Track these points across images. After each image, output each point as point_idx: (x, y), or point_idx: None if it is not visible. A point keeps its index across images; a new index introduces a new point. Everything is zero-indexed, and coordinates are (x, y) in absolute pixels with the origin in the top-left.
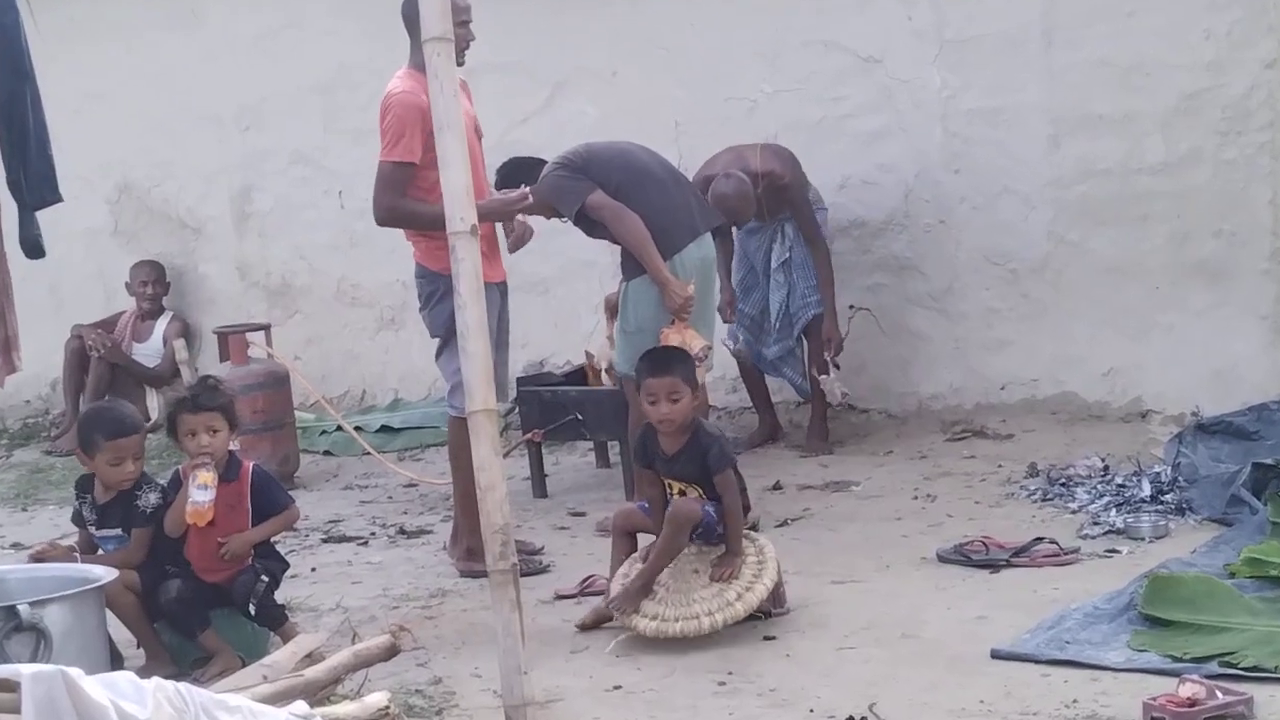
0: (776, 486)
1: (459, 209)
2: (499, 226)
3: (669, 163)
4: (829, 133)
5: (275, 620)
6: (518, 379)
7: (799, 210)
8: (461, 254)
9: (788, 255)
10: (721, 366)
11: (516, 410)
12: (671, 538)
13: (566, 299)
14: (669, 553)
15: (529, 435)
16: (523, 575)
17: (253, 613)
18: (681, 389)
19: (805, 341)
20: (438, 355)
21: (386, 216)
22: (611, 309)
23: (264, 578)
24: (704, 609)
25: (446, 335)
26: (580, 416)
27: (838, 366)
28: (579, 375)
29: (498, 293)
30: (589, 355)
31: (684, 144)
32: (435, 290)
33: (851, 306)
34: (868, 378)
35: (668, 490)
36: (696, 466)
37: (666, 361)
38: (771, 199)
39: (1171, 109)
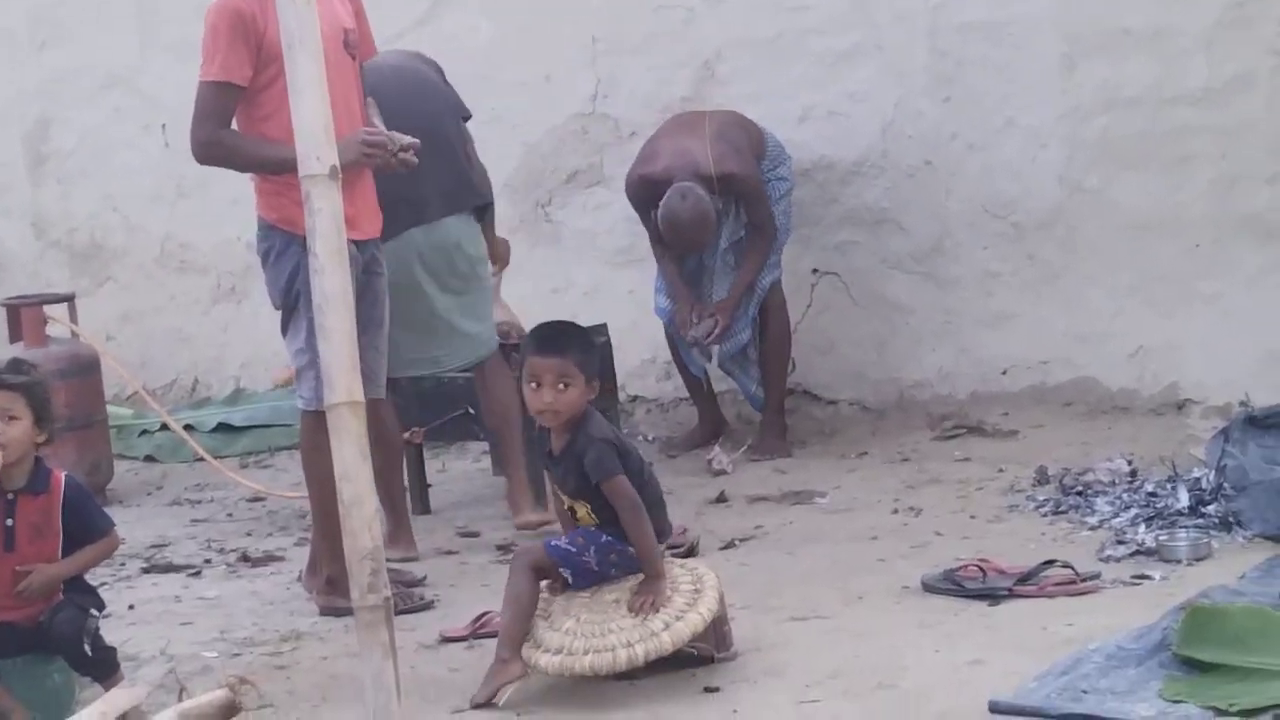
0: (721, 499)
1: (314, 146)
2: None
3: (453, 106)
4: (787, 52)
5: (107, 668)
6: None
7: (754, 204)
8: (318, 202)
9: (741, 234)
10: (651, 347)
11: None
12: (510, 591)
13: None
14: (513, 610)
15: (406, 435)
16: (399, 612)
17: (88, 655)
18: (573, 375)
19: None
20: (282, 329)
21: (202, 152)
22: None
23: (94, 612)
24: (621, 640)
25: (286, 304)
26: (472, 410)
27: (707, 358)
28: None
29: (372, 253)
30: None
31: (603, 67)
32: (271, 247)
33: (815, 271)
34: (836, 360)
35: (564, 506)
36: (576, 475)
37: (558, 338)
38: (724, 192)
39: (1215, 22)
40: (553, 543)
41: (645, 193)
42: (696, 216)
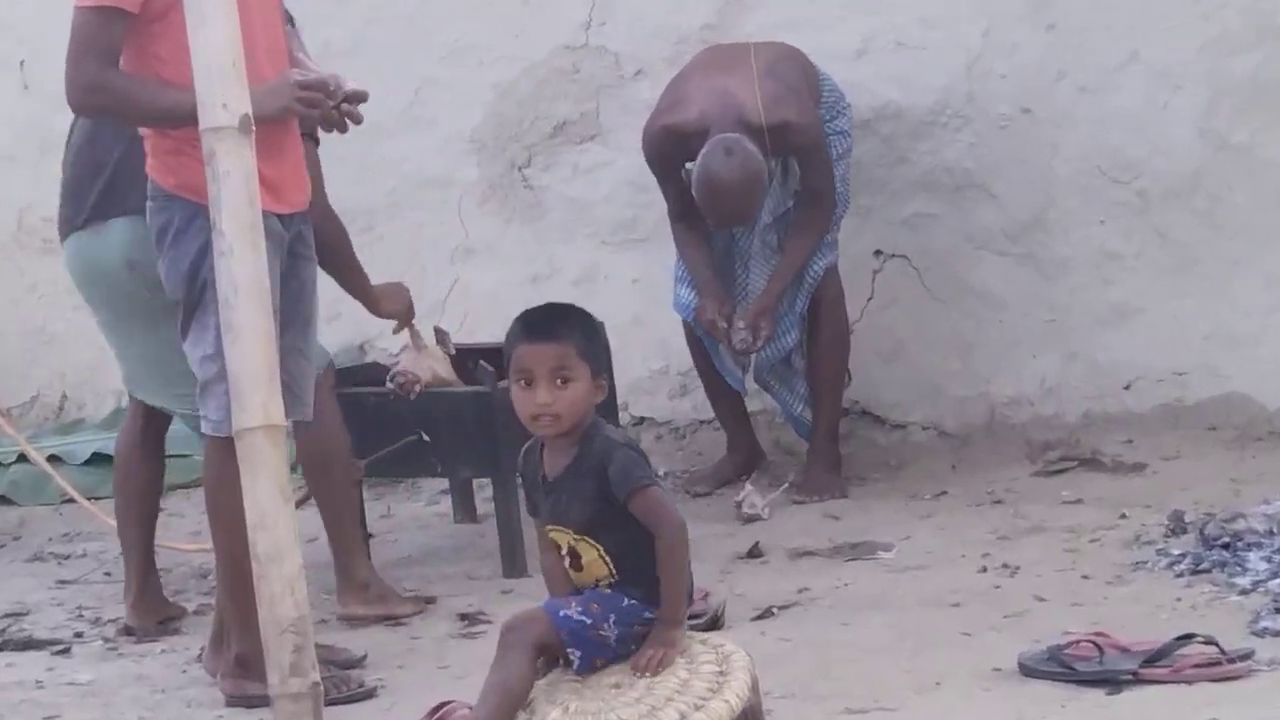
0: (754, 553)
1: (220, 88)
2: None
3: None
4: None
5: None
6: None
7: (814, 164)
8: (225, 163)
9: (788, 205)
10: (662, 353)
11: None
12: (497, 676)
13: (403, 239)
14: (498, 700)
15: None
16: (330, 702)
17: None
18: (575, 366)
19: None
20: (182, 330)
21: (83, 99)
22: None
23: None
24: None
25: (189, 296)
26: (426, 436)
27: (744, 367)
28: None
29: (299, 229)
30: (440, 334)
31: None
32: (170, 221)
33: (878, 253)
34: (905, 370)
35: (558, 550)
36: (591, 495)
37: (553, 320)
38: (777, 148)
39: None
40: (562, 612)
41: (671, 149)
42: (746, 179)
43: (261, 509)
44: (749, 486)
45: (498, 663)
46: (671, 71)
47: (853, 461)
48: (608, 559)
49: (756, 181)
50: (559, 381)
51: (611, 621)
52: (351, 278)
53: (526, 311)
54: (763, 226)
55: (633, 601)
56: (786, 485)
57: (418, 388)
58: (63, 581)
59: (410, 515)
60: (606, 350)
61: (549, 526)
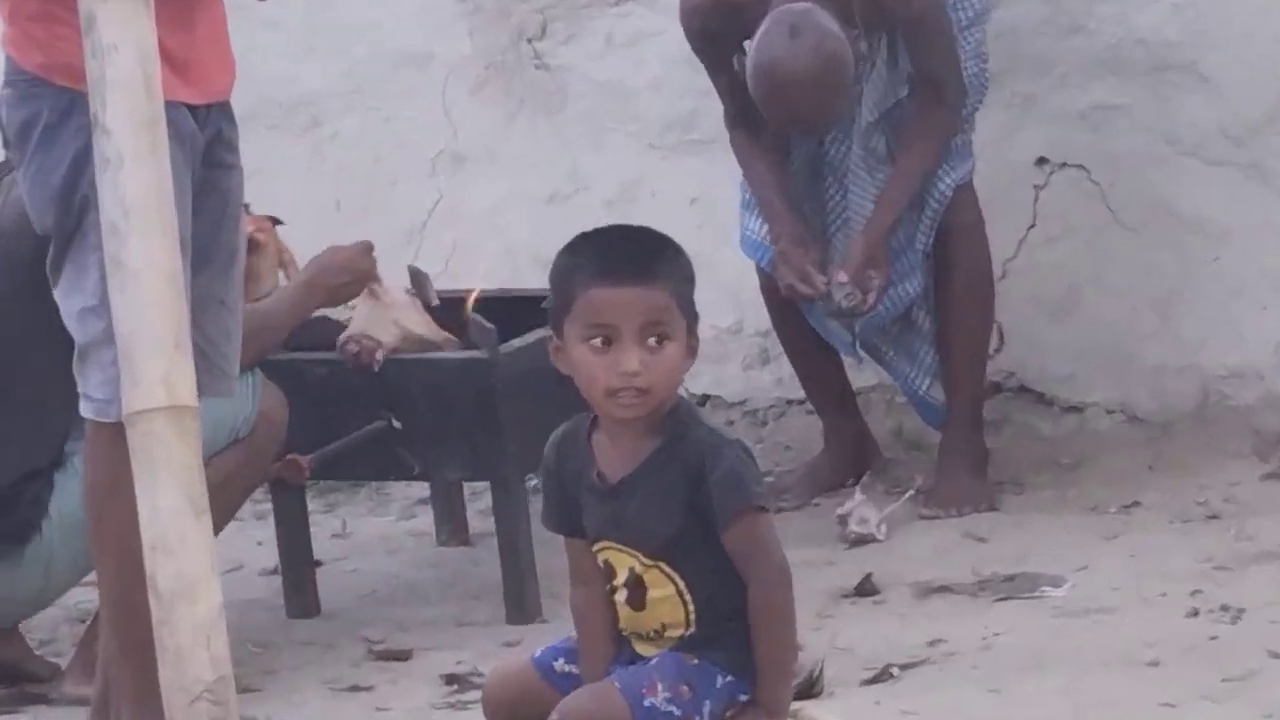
0: (866, 589)
1: None
2: None
3: None
4: None
5: None
6: None
7: (925, 38)
8: (111, 33)
9: (899, 98)
10: (734, 305)
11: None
12: None
13: (364, 140)
14: None
15: (275, 466)
16: None
17: None
18: (672, 318)
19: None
20: (52, 269)
21: None
22: None
23: None
24: None
25: (63, 221)
26: (396, 423)
27: (853, 330)
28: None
29: (219, 127)
30: (417, 276)
31: None
32: (35, 116)
33: (1042, 162)
34: (1079, 331)
35: (611, 579)
36: (678, 505)
37: (643, 252)
38: (869, 21)
39: None
40: (646, 701)
41: (720, 24)
42: (818, 67)
43: (162, 525)
44: (858, 495)
45: None
46: None
47: (1005, 459)
48: (688, 599)
49: (834, 70)
50: (653, 340)
51: (705, 710)
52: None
53: (594, 234)
54: (864, 128)
55: (728, 679)
56: (911, 493)
57: (380, 354)
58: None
59: (375, 533)
60: (693, 282)
61: (603, 544)
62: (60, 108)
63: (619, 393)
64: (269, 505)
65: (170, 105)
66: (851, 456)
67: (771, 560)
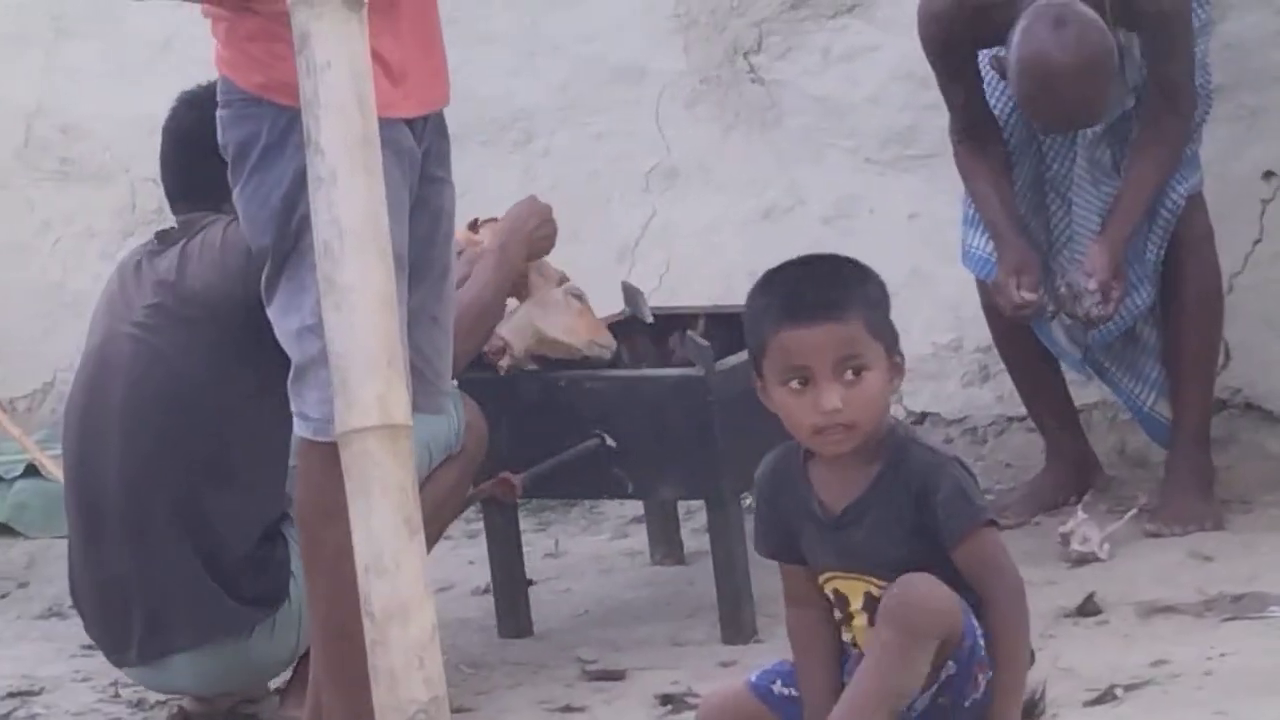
0: (1089, 609)
1: None
2: None
3: None
4: None
5: None
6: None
7: (1171, 40)
8: (324, 50)
9: (1127, 107)
10: (953, 321)
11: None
12: (883, 663)
13: (577, 156)
14: (884, 695)
15: (487, 485)
16: None
17: None
18: (867, 349)
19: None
20: (266, 287)
21: None
22: None
23: None
24: None
25: (281, 242)
26: (610, 440)
27: (1082, 345)
28: (616, 333)
29: (432, 142)
30: (631, 292)
31: None
32: (254, 136)
33: (1269, 175)
34: None
35: (845, 607)
36: (907, 530)
37: (828, 284)
38: (1117, 9)
39: None
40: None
41: (963, 30)
42: (1088, 60)
43: (376, 545)
44: (1080, 514)
45: None
46: None
47: (1232, 478)
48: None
49: (1102, 60)
50: (849, 374)
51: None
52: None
53: (778, 272)
54: (1089, 140)
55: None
56: (1135, 511)
57: (506, 359)
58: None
59: (588, 553)
60: (887, 302)
61: (831, 574)
62: (280, 126)
63: (824, 431)
64: (481, 524)
65: (389, 123)
66: (1074, 474)
67: (1005, 576)
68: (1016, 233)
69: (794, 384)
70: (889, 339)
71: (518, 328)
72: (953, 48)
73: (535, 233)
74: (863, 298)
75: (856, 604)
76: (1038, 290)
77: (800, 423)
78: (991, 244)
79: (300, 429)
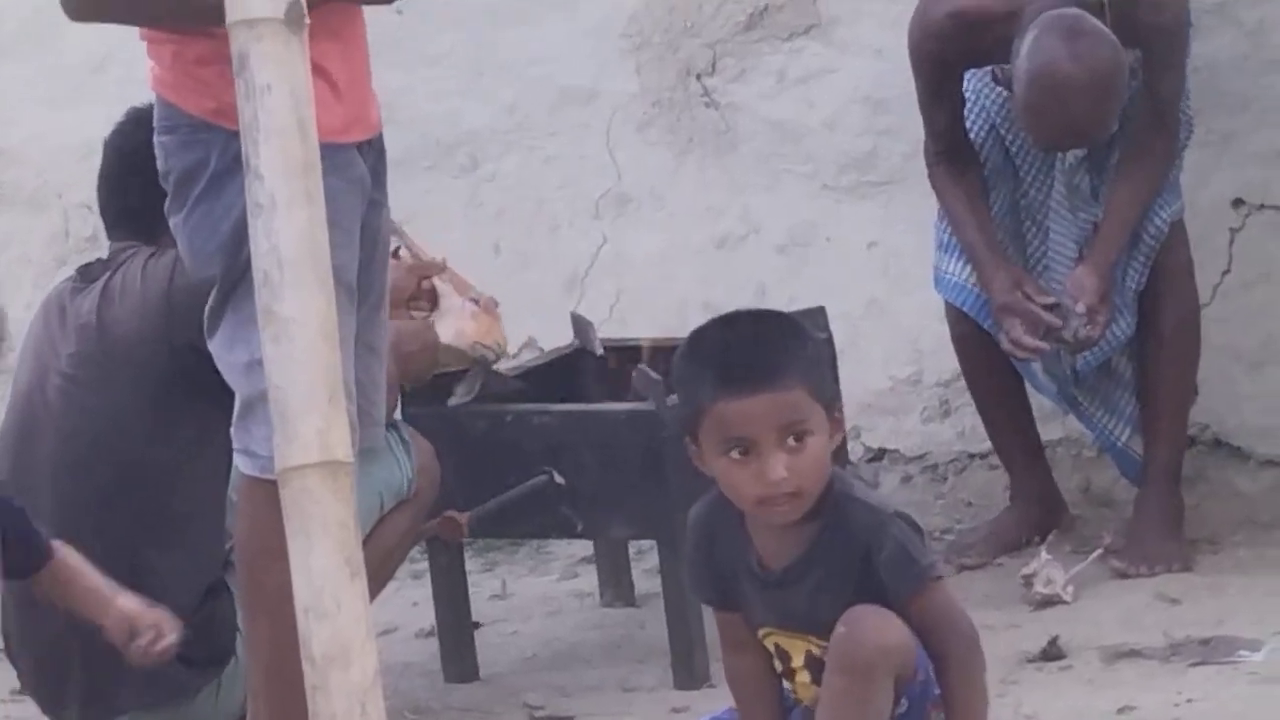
0: (1053, 652)
1: None
2: None
3: None
4: None
5: None
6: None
7: (1164, 62)
8: (265, 73)
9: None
10: (913, 354)
11: None
12: (841, 712)
13: (525, 181)
14: None
15: (432, 524)
16: None
17: None
18: (808, 412)
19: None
20: (210, 319)
21: None
22: None
23: None
24: None
25: (230, 272)
26: (559, 477)
27: (1070, 374)
28: (564, 366)
29: (374, 164)
30: (580, 324)
31: None
32: (201, 163)
33: (1239, 204)
34: (1273, 382)
35: (787, 662)
36: (851, 589)
37: (762, 352)
38: (1119, 23)
39: None
40: None
41: (960, 47)
42: (1101, 72)
43: (316, 587)
44: (1044, 554)
45: None
46: None
47: (1200, 517)
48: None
49: (1116, 73)
50: (792, 440)
51: None
52: None
53: (709, 335)
54: (1068, 166)
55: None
56: (1099, 552)
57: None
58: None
59: (536, 594)
60: (826, 359)
61: (769, 630)
62: (231, 153)
63: (769, 500)
64: (425, 564)
65: (342, 148)
66: (1037, 513)
67: (957, 629)
68: (997, 254)
69: (735, 454)
70: (829, 398)
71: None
72: (944, 65)
73: (409, 357)
74: (801, 360)
75: (798, 661)
76: (1046, 294)
77: (744, 493)
78: (968, 269)
79: (245, 466)
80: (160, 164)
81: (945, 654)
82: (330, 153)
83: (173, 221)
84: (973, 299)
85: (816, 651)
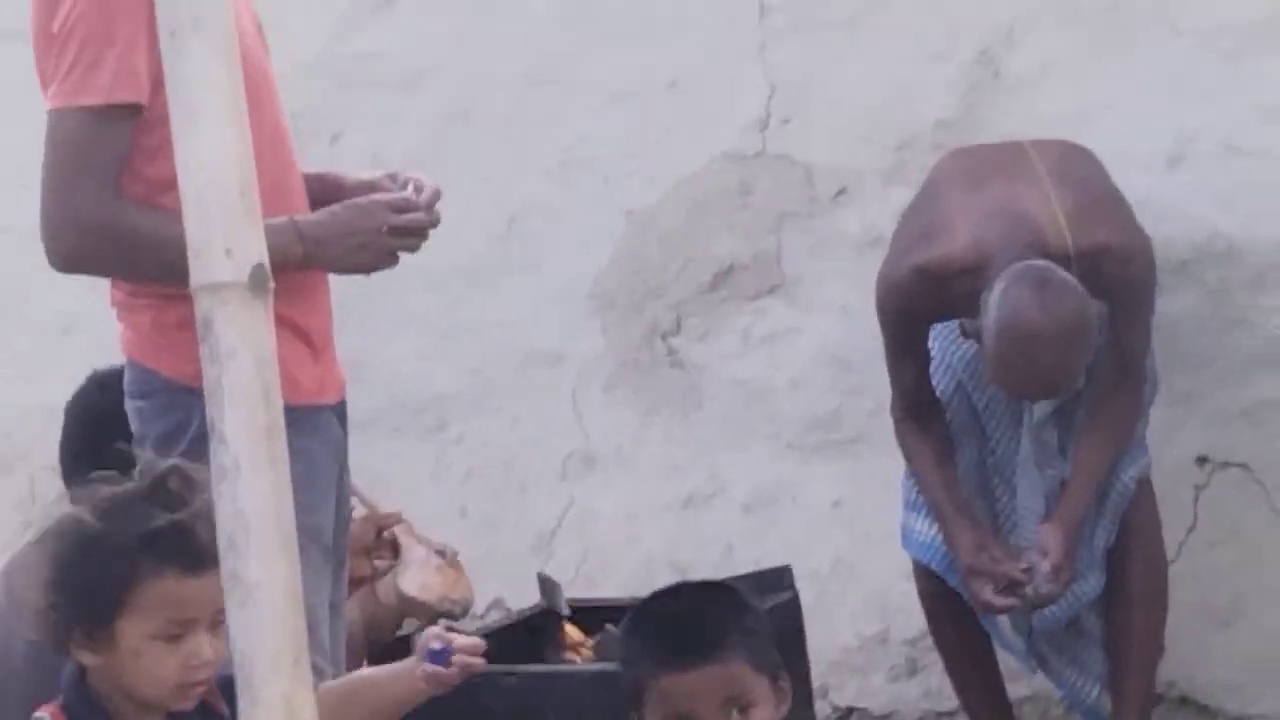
0: None
1: (220, 229)
2: None
3: None
4: (1137, 28)
5: None
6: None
7: (1130, 312)
8: (229, 338)
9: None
10: (880, 611)
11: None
12: None
13: (491, 442)
14: None
15: None
16: None
17: None
18: (751, 685)
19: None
20: None
21: (81, 242)
22: None
23: None
24: None
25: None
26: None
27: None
28: (530, 627)
29: (340, 430)
30: (546, 584)
31: (780, 65)
32: (183, 425)
33: (1202, 461)
34: (1245, 637)
35: None
36: None
37: (702, 624)
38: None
39: None
40: None
41: (927, 303)
42: (1070, 325)
43: None
44: None
45: None
46: (891, 190)
47: None
48: None
49: (1085, 326)
50: (736, 714)
51: None
52: None
53: (652, 608)
54: (1036, 420)
55: None
56: None
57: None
58: None
59: None
60: (768, 629)
61: None
62: (197, 414)
63: None
64: None
65: (318, 410)
66: None
67: None
68: (963, 514)
69: None
70: (772, 668)
71: (385, 589)
72: (911, 319)
73: (375, 614)
74: (741, 632)
75: None
76: (1011, 555)
77: None
78: (935, 527)
79: None
80: (136, 428)
81: None
82: (308, 414)
83: None
84: (940, 557)
85: None
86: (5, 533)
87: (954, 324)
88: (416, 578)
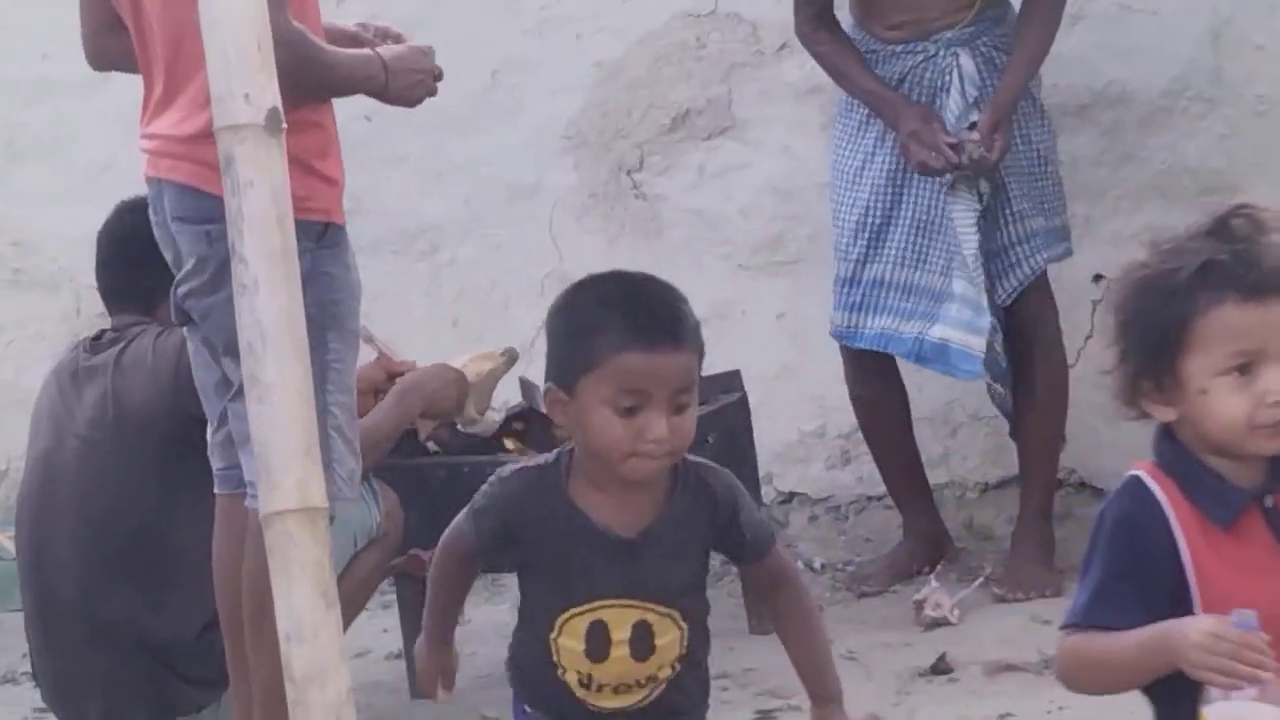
0: (941, 667)
1: (240, 76)
2: None
3: None
4: None
5: None
6: None
7: None
8: (247, 171)
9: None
10: (818, 409)
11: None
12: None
13: (479, 265)
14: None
15: (400, 561)
16: None
17: None
18: (696, 378)
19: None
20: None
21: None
22: None
23: None
24: None
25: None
26: None
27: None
28: (514, 423)
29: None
30: (528, 388)
31: None
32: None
33: (1098, 278)
34: (1134, 430)
35: (590, 641)
36: (697, 550)
37: (675, 314)
38: None
39: None
40: None
41: None
42: None
43: (297, 616)
44: (933, 582)
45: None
46: None
47: (1068, 549)
48: (685, 635)
49: None
50: (679, 405)
51: None
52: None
53: (613, 286)
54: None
55: None
56: (982, 579)
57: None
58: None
59: (491, 621)
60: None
61: (602, 603)
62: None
63: (645, 460)
64: (394, 596)
65: (339, 229)
66: (927, 547)
67: (797, 576)
68: (898, 94)
69: (626, 407)
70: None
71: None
72: None
73: (435, 394)
74: (696, 330)
75: (621, 634)
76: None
77: (617, 445)
78: (853, 316)
79: (251, 501)
80: (202, 248)
81: (793, 591)
82: (336, 232)
83: (208, 302)
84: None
85: (651, 620)
86: (55, 343)
87: (855, 166)
88: (471, 367)
